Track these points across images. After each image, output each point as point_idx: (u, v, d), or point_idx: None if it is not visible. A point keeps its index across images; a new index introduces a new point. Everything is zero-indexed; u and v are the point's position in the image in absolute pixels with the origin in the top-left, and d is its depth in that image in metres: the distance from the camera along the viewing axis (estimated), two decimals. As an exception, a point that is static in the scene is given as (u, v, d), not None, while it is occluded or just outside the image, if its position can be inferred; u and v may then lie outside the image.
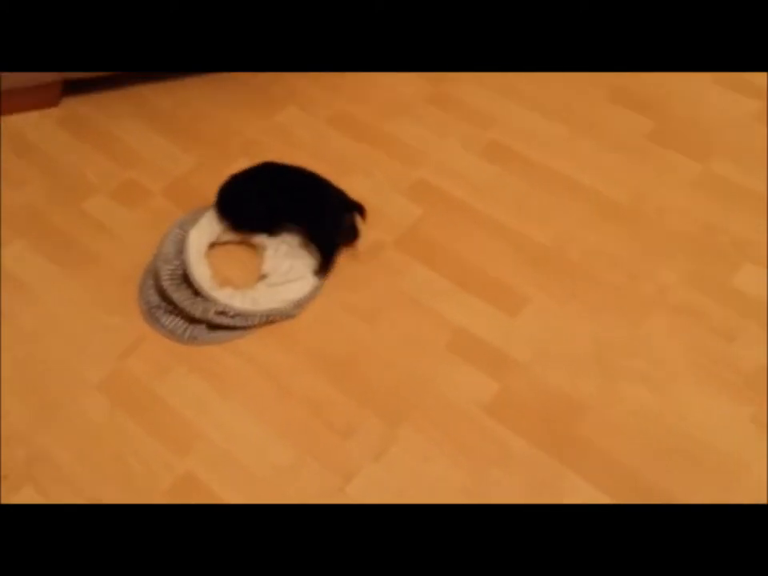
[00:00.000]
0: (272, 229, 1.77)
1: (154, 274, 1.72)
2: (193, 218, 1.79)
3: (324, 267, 1.72)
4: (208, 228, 1.77)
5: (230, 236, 1.79)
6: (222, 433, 1.53)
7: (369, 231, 1.80)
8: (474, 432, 1.50)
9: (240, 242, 1.81)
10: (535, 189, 1.90)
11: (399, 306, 1.69)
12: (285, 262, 1.74)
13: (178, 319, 1.66)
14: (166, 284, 1.68)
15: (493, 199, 1.87)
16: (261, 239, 1.78)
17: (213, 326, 1.65)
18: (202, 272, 1.71)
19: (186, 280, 1.69)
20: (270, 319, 1.66)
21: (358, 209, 1.76)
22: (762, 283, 1.70)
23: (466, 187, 1.90)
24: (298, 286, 1.70)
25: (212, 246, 1.79)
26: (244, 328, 1.65)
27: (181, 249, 1.73)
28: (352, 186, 1.81)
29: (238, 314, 1.64)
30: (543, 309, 1.67)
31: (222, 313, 1.64)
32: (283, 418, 1.54)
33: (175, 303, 1.66)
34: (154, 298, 1.69)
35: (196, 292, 1.67)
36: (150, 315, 1.68)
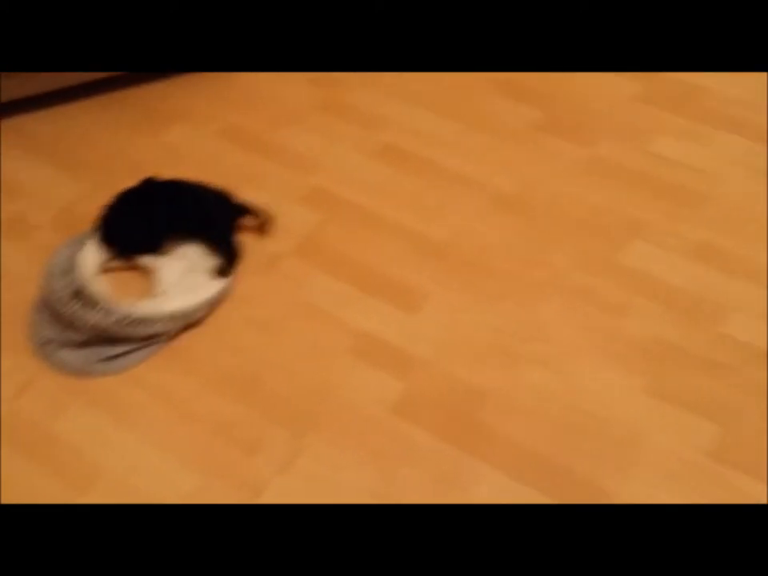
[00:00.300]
0: (160, 248, 1.75)
1: (43, 298, 1.65)
2: (79, 241, 1.74)
3: (228, 265, 1.71)
4: (95, 253, 1.72)
5: (118, 262, 1.76)
6: (123, 466, 1.50)
7: (266, 242, 1.81)
8: (380, 434, 1.52)
9: (129, 268, 1.78)
10: (430, 186, 1.93)
11: (300, 316, 1.70)
12: (184, 276, 1.71)
13: (71, 352, 1.62)
14: (57, 302, 1.60)
15: (389, 200, 1.90)
16: (151, 260, 1.75)
17: (111, 341, 1.60)
18: (98, 286, 1.65)
19: (79, 296, 1.61)
20: (174, 328, 1.63)
21: (245, 209, 1.79)
22: (649, 259, 1.77)
23: (361, 191, 1.92)
24: (204, 289, 1.67)
25: (102, 271, 1.74)
26: (147, 340, 1.61)
27: (71, 267, 1.67)
28: (247, 197, 1.82)
29: (141, 321, 1.59)
30: (443, 304, 1.71)
31: (124, 322, 1.58)
32: (186, 443, 1.52)
33: (69, 318, 1.59)
34: (47, 332, 1.64)
35: (93, 306, 1.60)
36: (42, 351, 1.63)
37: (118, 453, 1.52)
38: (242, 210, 1.80)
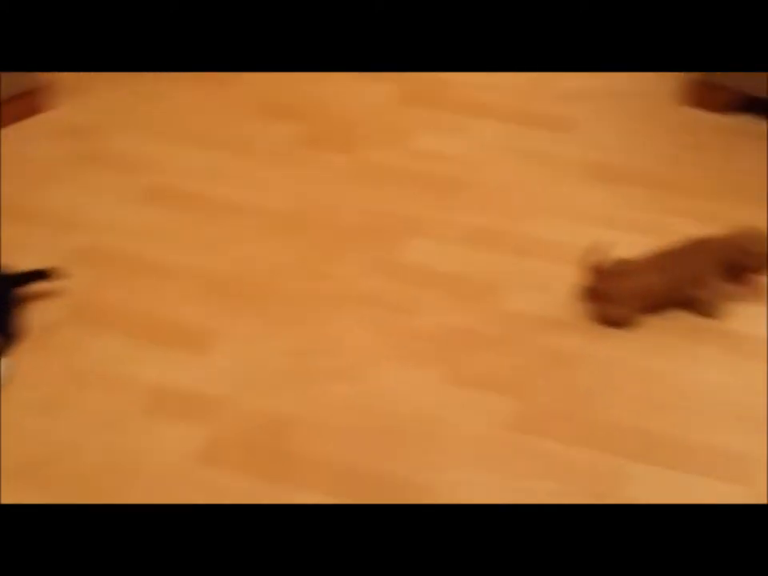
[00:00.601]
0: None
1: None
2: None
3: (5, 344, 1.60)
4: None
5: None
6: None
7: (38, 313, 1.71)
8: (190, 487, 1.45)
9: None
10: (204, 222, 1.91)
11: (85, 385, 1.59)
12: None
13: None
14: None
15: (164, 243, 1.86)
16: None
17: None
18: None
19: None
20: None
21: (25, 277, 1.67)
22: (428, 253, 1.84)
23: (133, 239, 1.87)
24: None
25: None
26: None
27: None
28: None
29: None
30: (234, 338, 1.69)
31: None
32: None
33: None
34: None
35: None
36: None
37: None
38: (20, 279, 1.67)
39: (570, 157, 2.04)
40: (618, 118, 2.15)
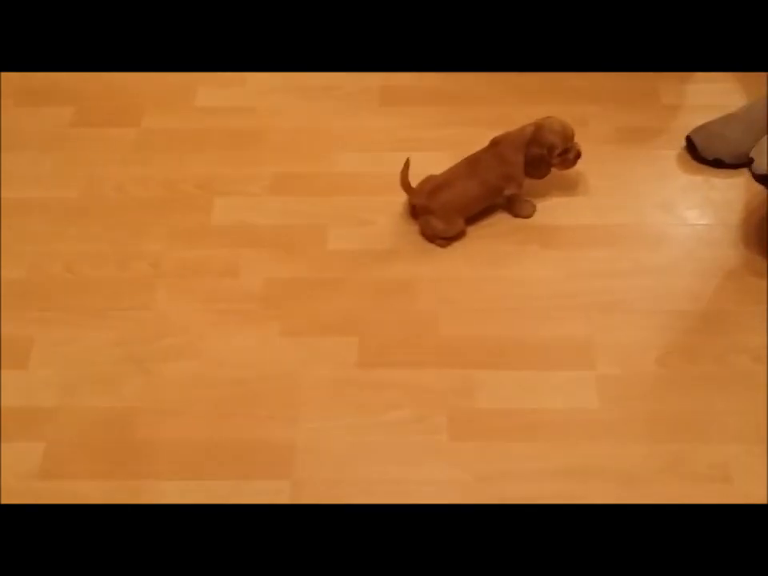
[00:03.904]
0: None
1: None
2: None
3: None
4: None
5: None
6: None
7: None
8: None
9: None
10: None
11: None
12: None
13: None
14: None
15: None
16: None
17: None
18: None
19: None
20: None
21: None
22: (238, 211, 1.77)
23: None
24: None
25: None
26: None
27: None
28: None
29: None
30: (51, 342, 1.57)
31: None
32: None
33: None
34: None
35: None
36: None
37: None
38: None
39: (353, 87, 2.02)
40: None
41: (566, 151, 1.63)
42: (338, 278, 1.65)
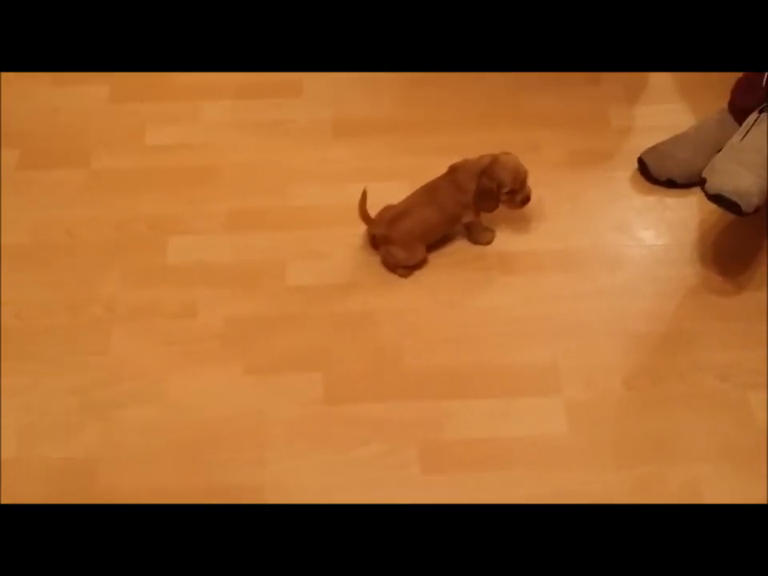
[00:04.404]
0: None
1: None
2: None
3: None
4: None
5: None
6: None
7: None
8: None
9: None
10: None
11: None
12: None
13: None
14: None
15: None
16: None
17: None
18: None
19: None
20: None
21: None
22: (193, 249, 1.74)
23: None
24: None
25: None
26: None
27: None
28: None
29: None
30: (5, 393, 1.52)
31: None
32: None
33: None
34: None
35: None
36: None
37: None
38: None
39: (308, 120, 2.00)
40: (344, 75, 2.13)
41: (514, 191, 1.62)
42: (298, 313, 1.63)
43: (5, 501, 1.38)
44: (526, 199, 1.64)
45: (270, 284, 1.68)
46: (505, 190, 1.60)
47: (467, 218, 1.68)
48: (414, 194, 1.67)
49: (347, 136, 1.96)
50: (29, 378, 1.53)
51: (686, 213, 1.77)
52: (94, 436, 1.46)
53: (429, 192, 1.65)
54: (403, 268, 1.67)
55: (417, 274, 1.68)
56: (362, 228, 1.70)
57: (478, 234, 1.72)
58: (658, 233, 1.74)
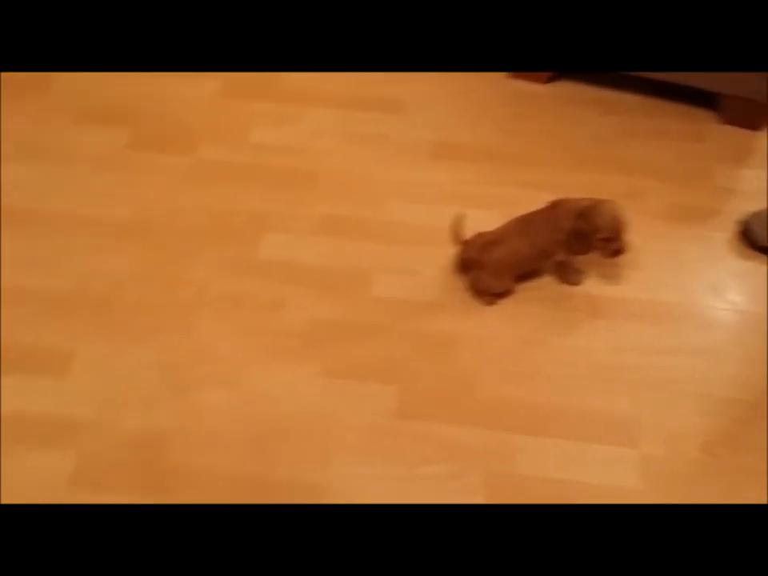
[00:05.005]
0: None
1: None
2: None
3: None
4: None
5: None
6: None
7: None
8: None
9: None
10: (40, 238, 1.76)
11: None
12: None
13: None
14: None
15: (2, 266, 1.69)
16: None
17: None
18: None
19: None
20: None
21: None
22: (285, 248, 1.77)
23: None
24: None
25: None
26: None
27: None
28: None
29: None
30: (92, 355, 1.56)
31: None
32: None
33: None
34: None
35: None
36: None
37: None
38: None
39: (409, 138, 2.03)
40: (446, 95, 2.16)
41: (609, 239, 1.59)
42: (381, 324, 1.64)
43: (80, 462, 1.42)
44: (620, 251, 1.61)
45: (356, 292, 1.69)
46: (600, 236, 1.59)
47: (559, 256, 1.68)
48: (509, 224, 1.67)
49: (446, 159, 1.98)
50: (115, 347, 1.57)
51: (783, 283, 1.74)
52: (170, 412, 1.49)
53: (524, 224, 1.65)
54: (489, 295, 1.67)
55: (501, 303, 1.68)
56: (452, 251, 1.71)
57: (567, 274, 1.72)
58: (753, 299, 1.71)
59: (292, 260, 1.75)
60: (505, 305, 1.68)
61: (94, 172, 1.91)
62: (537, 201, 1.67)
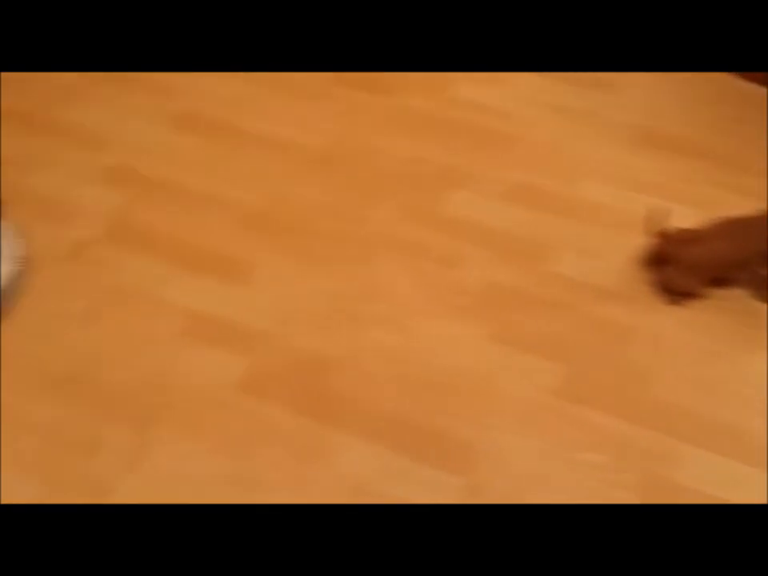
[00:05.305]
0: None
1: None
2: None
3: None
4: None
5: None
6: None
7: (69, 229, 1.63)
8: (229, 415, 1.42)
9: None
10: (236, 152, 1.82)
11: (121, 302, 1.54)
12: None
13: None
14: None
15: (196, 171, 1.77)
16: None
17: None
18: None
19: None
20: None
21: None
22: (471, 206, 1.76)
23: (164, 164, 1.78)
24: None
25: None
26: None
27: None
28: (38, 184, 1.62)
29: None
30: (273, 273, 1.61)
31: None
32: (17, 453, 1.36)
33: None
34: None
35: None
36: None
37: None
38: None
39: (618, 120, 1.96)
40: (664, 83, 2.06)
41: None
42: (558, 301, 1.61)
43: (250, 369, 1.47)
44: None
45: (536, 264, 1.67)
46: None
47: (761, 269, 1.58)
48: (714, 224, 1.58)
49: (652, 146, 1.90)
50: (296, 269, 1.62)
51: None
52: (338, 340, 1.52)
53: (731, 227, 1.56)
54: (676, 294, 1.60)
55: (686, 305, 1.60)
56: (642, 241, 1.64)
57: (762, 290, 1.62)
58: None
59: (476, 220, 1.74)
60: (689, 308, 1.61)
61: (301, 100, 1.95)
62: (745, 207, 1.59)
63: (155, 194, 1.71)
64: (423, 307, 1.58)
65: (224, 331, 1.52)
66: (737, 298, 1.63)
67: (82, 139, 1.81)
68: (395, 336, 1.53)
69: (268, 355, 1.49)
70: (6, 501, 1.31)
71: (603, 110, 1.98)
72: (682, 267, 1.56)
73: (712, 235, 1.56)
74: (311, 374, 1.47)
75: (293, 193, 1.75)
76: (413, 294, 1.60)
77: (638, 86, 2.03)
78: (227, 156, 1.81)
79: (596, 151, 1.89)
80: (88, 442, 1.38)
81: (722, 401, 1.47)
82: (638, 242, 1.67)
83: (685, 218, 1.62)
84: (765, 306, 1.61)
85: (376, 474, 1.36)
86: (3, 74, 1.92)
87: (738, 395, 1.48)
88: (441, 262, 1.66)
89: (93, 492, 1.33)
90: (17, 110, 1.85)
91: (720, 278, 1.61)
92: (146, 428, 1.40)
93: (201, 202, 1.71)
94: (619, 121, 1.95)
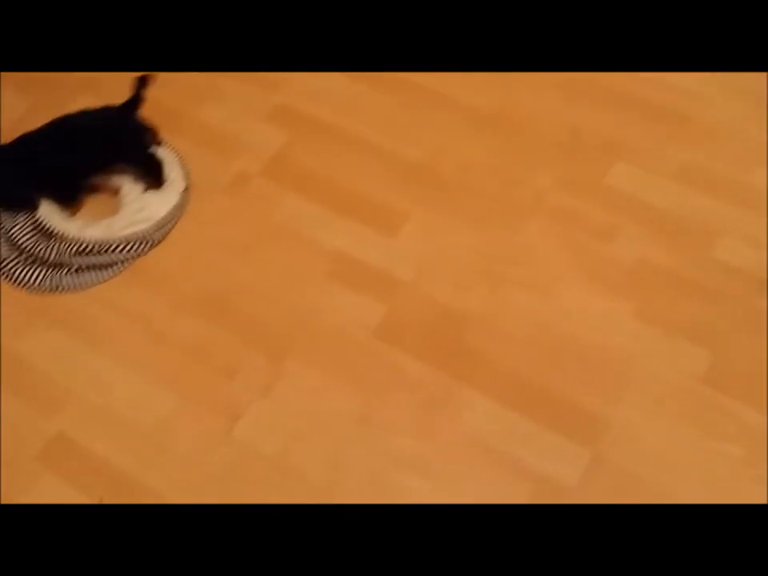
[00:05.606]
0: (34, 202, 1.59)
1: (5, 230, 1.58)
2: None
3: (155, 178, 1.61)
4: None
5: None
6: (93, 387, 1.42)
7: (231, 162, 1.69)
8: (363, 357, 1.45)
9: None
10: (402, 105, 1.82)
11: (273, 237, 1.60)
12: (133, 201, 1.62)
13: (32, 269, 1.52)
14: (14, 230, 1.55)
15: (360, 118, 1.79)
16: (115, 181, 1.65)
17: (75, 272, 1.52)
18: (48, 208, 1.58)
19: (35, 226, 1.56)
20: (134, 252, 1.54)
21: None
22: (634, 181, 1.69)
23: (330, 108, 1.81)
24: (154, 207, 1.59)
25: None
26: (108, 267, 1.53)
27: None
28: (206, 115, 1.69)
29: (96, 248, 1.52)
30: (422, 225, 1.62)
31: (80, 251, 1.51)
32: (159, 365, 1.45)
33: (25, 249, 1.53)
34: (7, 253, 1.55)
35: (48, 233, 1.54)
36: (3, 270, 1.55)
37: (86, 374, 1.44)
38: (128, 106, 1.59)
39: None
40: None
41: None
42: (713, 287, 1.53)
43: (389, 316, 1.50)
44: None
45: (695, 247, 1.59)
46: None
47: None
48: None
49: None
50: (446, 223, 1.62)
51: None
52: (478, 298, 1.52)
53: None
54: None
55: None
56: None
57: None
58: None
59: (637, 195, 1.67)
60: None
61: (470, 61, 1.93)
62: None
63: (318, 136, 1.75)
64: (569, 276, 1.55)
65: (368, 277, 1.55)
66: None
67: (252, 76, 1.86)
68: (537, 301, 1.51)
69: (407, 305, 1.51)
70: (143, 413, 1.38)
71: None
72: None
73: None
74: (447, 327, 1.48)
75: (453, 150, 1.75)
76: (560, 262, 1.57)
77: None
78: (393, 107, 1.82)
79: (774, 136, 1.77)
80: (226, 365, 1.44)
81: None
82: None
83: None
84: None
85: (500, 433, 1.36)
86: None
87: None
88: (594, 233, 1.61)
89: (224, 412, 1.39)
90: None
91: None
92: (281, 359, 1.45)
93: (362, 149, 1.74)
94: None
